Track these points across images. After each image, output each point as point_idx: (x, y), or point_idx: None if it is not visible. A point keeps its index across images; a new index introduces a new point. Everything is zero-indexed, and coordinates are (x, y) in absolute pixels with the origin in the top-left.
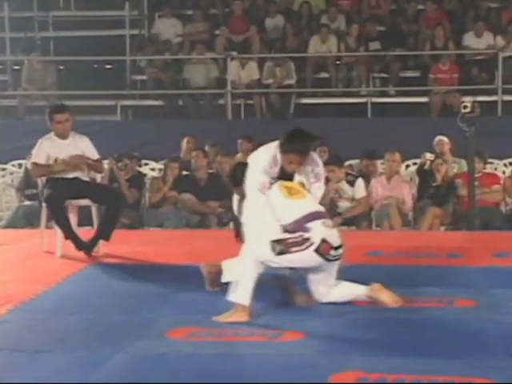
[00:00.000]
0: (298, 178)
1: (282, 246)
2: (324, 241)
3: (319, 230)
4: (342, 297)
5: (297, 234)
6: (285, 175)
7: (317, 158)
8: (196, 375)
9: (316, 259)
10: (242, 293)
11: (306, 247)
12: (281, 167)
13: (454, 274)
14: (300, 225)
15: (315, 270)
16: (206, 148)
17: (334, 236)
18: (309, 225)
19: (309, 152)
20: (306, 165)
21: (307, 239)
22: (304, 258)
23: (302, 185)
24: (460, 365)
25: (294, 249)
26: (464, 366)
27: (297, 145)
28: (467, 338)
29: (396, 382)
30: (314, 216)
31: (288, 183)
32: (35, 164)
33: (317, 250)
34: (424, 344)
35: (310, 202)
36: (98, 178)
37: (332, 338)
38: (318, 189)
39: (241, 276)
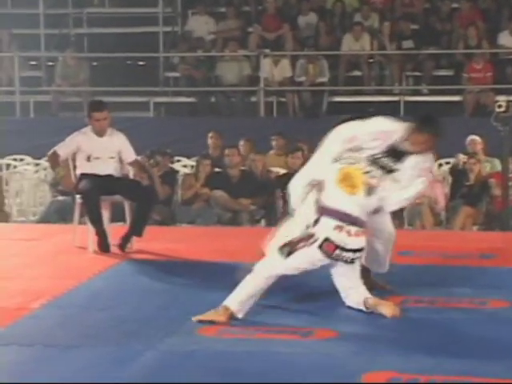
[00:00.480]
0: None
1: (288, 247)
2: (327, 239)
3: (326, 228)
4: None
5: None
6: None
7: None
8: (226, 373)
9: (321, 257)
10: (233, 296)
11: (311, 243)
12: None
13: (486, 274)
14: (323, 213)
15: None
16: (241, 143)
17: (348, 239)
18: (322, 218)
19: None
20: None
21: (312, 235)
22: (310, 254)
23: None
24: (494, 366)
25: (300, 245)
26: (498, 367)
27: (436, 127)
28: (501, 338)
29: (428, 382)
30: (339, 215)
31: (354, 170)
32: (54, 153)
33: (320, 247)
34: (456, 345)
35: (357, 202)
36: (131, 174)
37: (363, 337)
38: (421, 183)
39: (243, 283)
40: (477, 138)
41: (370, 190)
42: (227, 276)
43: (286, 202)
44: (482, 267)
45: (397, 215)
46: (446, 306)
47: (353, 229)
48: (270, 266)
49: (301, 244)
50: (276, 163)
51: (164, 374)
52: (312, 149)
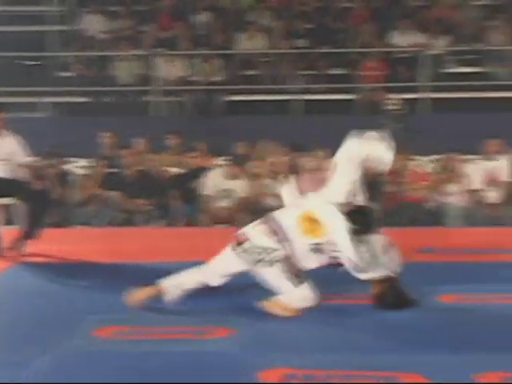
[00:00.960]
0: None
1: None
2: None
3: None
4: None
5: None
6: None
7: None
8: (123, 374)
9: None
10: (169, 278)
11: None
12: None
13: None
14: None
15: None
16: (136, 143)
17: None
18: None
19: None
20: None
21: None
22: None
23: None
24: (391, 360)
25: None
26: (395, 361)
27: None
28: (396, 331)
29: (325, 376)
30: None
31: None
32: None
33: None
34: (350, 341)
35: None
36: (23, 175)
37: (260, 335)
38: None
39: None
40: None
41: None
42: (122, 277)
43: (181, 201)
44: None
45: None
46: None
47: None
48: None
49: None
50: (171, 162)
51: (60, 376)
52: (208, 148)
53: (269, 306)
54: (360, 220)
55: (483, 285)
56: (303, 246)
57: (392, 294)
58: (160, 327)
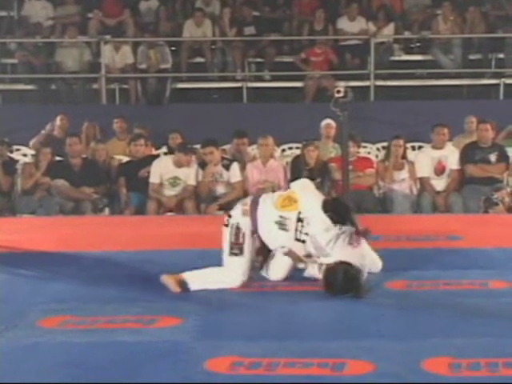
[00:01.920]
0: None
1: (237, 246)
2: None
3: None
4: None
5: None
6: None
7: None
8: (71, 364)
9: None
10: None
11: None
12: None
13: None
14: None
15: None
16: (83, 127)
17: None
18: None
19: None
20: None
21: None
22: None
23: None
24: (335, 346)
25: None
26: (338, 347)
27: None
28: (339, 320)
29: (270, 363)
30: None
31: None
32: None
33: None
34: (297, 328)
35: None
36: None
37: (207, 324)
38: None
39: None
40: (332, 122)
41: None
42: (69, 266)
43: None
44: None
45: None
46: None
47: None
48: (239, 269)
49: (240, 238)
50: (118, 150)
51: (5, 367)
52: (152, 136)
53: (166, 278)
54: (335, 211)
55: (430, 271)
56: (270, 218)
57: (344, 280)
58: (107, 316)
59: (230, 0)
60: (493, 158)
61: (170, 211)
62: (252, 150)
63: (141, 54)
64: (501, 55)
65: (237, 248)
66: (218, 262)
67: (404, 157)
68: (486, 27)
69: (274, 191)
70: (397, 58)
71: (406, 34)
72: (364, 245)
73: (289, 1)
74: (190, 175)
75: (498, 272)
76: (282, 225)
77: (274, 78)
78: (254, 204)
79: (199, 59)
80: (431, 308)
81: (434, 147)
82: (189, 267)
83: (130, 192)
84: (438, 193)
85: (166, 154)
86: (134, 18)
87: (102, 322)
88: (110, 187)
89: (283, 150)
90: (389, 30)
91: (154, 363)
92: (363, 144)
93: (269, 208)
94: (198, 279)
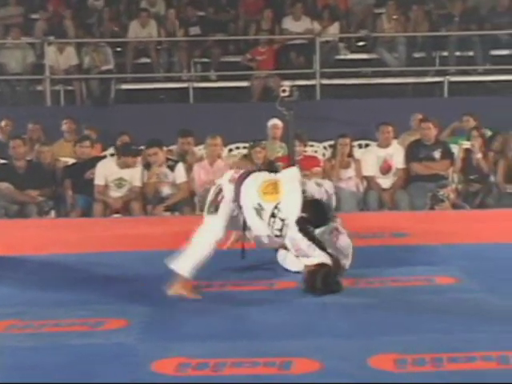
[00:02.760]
0: None
1: (213, 204)
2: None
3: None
4: None
5: None
6: None
7: None
8: (15, 369)
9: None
10: (184, 265)
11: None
12: None
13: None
14: None
15: None
16: (30, 127)
17: None
18: None
19: None
20: None
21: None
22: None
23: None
24: (283, 345)
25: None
26: (286, 346)
27: None
28: (287, 319)
29: (217, 364)
30: None
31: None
32: None
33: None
34: (245, 328)
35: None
36: None
37: (155, 325)
38: None
39: (190, 251)
40: (278, 122)
41: None
42: (15, 269)
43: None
44: None
45: (187, 201)
46: (238, 288)
47: None
48: (213, 231)
49: (219, 197)
50: (66, 152)
51: None
52: (101, 138)
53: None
54: (314, 212)
55: (377, 268)
56: (250, 203)
57: (323, 284)
58: (54, 320)
59: (174, 0)
60: (437, 155)
61: (117, 213)
62: (199, 150)
63: (84, 55)
64: (444, 53)
65: (213, 206)
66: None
67: (350, 155)
68: (429, 26)
69: None
70: (342, 57)
71: (351, 33)
72: (343, 238)
73: (234, 1)
74: (135, 176)
75: (444, 268)
76: (259, 212)
77: (220, 78)
78: (243, 176)
79: (145, 60)
80: (378, 305)
81: (380, 146)
82: (135, 269)
83: (76, 194)
84: (385, 190)
85: (112, 155)
86: (78, 19)
87: (49, 326)
88: (56, 189)
89: (230, 150)
90: (334, 29)
91: (101, 366)
92: (310, 143)
93: (252, 190)
94: (188, 262)
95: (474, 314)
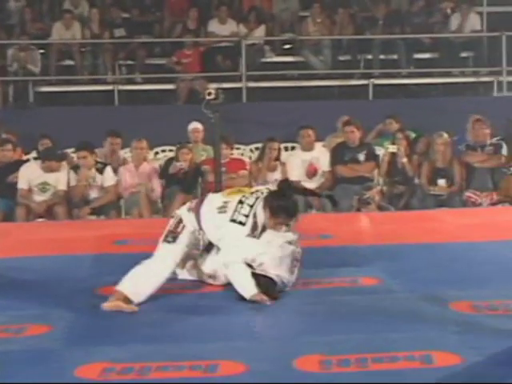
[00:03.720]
0: None
1: (172, 234)
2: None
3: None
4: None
5: None
6: None
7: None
8: None
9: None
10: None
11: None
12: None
13: None
14: None
15: None
16: None
17: None
18: None
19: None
20: None
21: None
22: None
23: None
24: (209, 348)
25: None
26: (212, 349)
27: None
28: (214, 322)
29: (143, 369)
30: None
31: None
32: None
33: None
34: (171, 332)
35: None
36: None
37: (78, 329)
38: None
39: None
40: (199, 125)
41: None
42: None
43: None
44: None
45: (114, 204)
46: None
47: None
48: (168, 262)
49: (179, 228)
50: None
51: None
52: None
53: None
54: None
55: (304, 270)
56: (213, 205)
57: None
58: None
59: (98, 1)
60: (361, 157)
61: (40, 217)
62: (125, 153)
63: (9, 57)
64: (369, 56)
65: (171, 236)
66: (90, 267)
67: (278, 158)
68: (354, 29)
69: (147, 196)
70: (268, 60)
71: (277, 36)
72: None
73: (159, 2)
74: (60, 180)
75: (368, 269)
76: (222, 208)
77: (146, 81)
78: (199, 203)
79: (69, 62)
80: (303, 307)
81: (304, 149)
82: (58, 273)
83: None
84: None
85: (36, 158)
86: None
87: None
88: None
89: (156, 153)
90: (260, 32)
91: (24, 372)
92: (236, 145)
93: (215, 197)
94: (133, 285)
95: (397, 315)
